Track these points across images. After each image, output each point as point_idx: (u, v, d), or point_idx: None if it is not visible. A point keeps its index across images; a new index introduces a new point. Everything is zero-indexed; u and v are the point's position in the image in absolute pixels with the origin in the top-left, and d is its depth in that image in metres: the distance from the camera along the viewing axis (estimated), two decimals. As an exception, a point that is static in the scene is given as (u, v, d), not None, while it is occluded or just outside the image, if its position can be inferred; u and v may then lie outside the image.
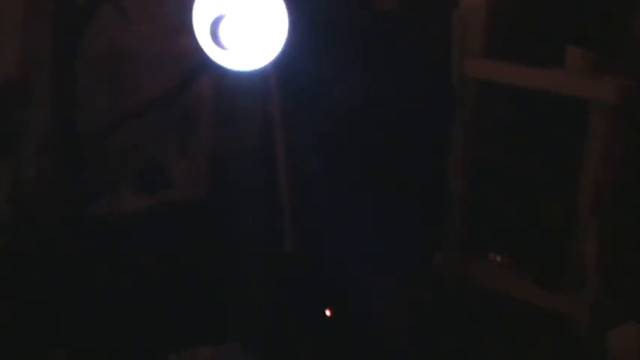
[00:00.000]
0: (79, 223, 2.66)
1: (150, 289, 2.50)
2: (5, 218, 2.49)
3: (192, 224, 2.67)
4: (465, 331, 2.46)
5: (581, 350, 2.37)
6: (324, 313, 2.59)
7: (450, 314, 2.54)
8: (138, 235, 2.68)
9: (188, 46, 2.15)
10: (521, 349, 2.40)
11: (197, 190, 2.77)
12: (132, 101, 2.62)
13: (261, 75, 2.17)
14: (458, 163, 2.72)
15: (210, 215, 2.70)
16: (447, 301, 2.60)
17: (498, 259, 2.69)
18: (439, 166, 2.73)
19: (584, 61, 2.41)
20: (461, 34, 2.62)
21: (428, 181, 2.75)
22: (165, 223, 2.69)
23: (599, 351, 2.25)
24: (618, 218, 2.47)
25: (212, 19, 1.94)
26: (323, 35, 2.39)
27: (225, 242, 2.58)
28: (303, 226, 2.55)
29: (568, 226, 2.55)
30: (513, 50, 2.58)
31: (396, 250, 2.63)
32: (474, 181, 2.71)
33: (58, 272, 2.48)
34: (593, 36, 2.50)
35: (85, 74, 2.55)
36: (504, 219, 2.71)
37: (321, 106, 2.47)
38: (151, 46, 2.60)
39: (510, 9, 2.60)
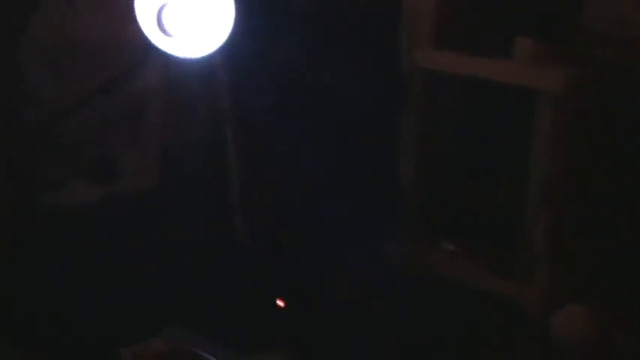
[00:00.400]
0: (29, 215, 2.61)
1: (100, 282, 2.46)
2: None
3: (142, 215, 2.64)
4: (418, 319, 2.46)
5: (532, 335, 2.38)
6: (276, 302, 2.58)
7: (403, 302, 2.54)
8: (88, 226, 2.64)
9: (136, 35, 2.11)
10: (474, 336, 2.40)
11: (147, 180, 2.74)
12: (80, 91, 2.57)
13: (209, 62, 2.14)
14: (409, 152, 2.72)
15: (160, 205, 2.66)
16: (400, 289, 2.59)
17: (451, 247, 2.70)
18: (391, 155, 2.73)
19: (532, 51, 2.42)
20: (411, 24, 2.62)
21: (380, 169, 2.75)
22: (115, 214, 2.65)
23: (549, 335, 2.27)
24: (567, 206, 2.49)
25: (157, 6, 1.91)
26: (273, 21, 2.37)
27: (174, 232, 2.56)
28: (255, 215, 2.54)
29: (519, 213, 2.57)
30: (463, 40, 2.58)
31: (349, 239, 2.62)
32: (424, 170, 2.71)
33: (9, 265, 2.44)
34: (543, 26, 2.51)
35: (31, 65, 2.51)
36: (456, 208, 2.72)
37: (270, 93, 2.45)
38: (99, 35, 2.56)
39: (460, -1, 2.61)
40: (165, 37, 1.93)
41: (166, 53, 1.99)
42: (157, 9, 1.92)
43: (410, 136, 2.69)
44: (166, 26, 1.90)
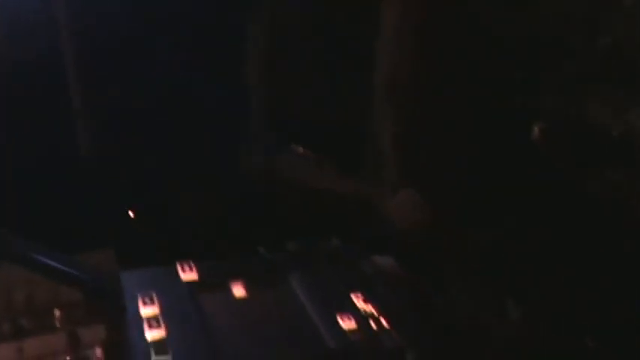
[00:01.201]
0: None
1: None
2: None
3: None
4: (271, 221, 2.46)
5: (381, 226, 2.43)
6: (127, 213, 2.50)
7: (257, 206, 2.53)
8: None
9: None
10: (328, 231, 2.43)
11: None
12: None
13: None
14: (256, 60, 2.67)
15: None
16: (253, 194, 2.58)
17: (300, 150, 2.70)
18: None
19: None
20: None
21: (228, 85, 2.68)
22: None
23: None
24: (412, 104, 2.53)
25: None
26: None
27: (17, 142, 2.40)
28: (98, 127, 2.43)
29: (365, 115, 2.59)
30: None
31: (201, 146, 2.56)
32: (271, 77, 2.68)
33: None
34: None
35: None
36: (305, 111, 2.71)
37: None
38: None
39: None
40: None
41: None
42: None
43: (257, 43, 2.63)
44: None
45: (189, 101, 2.60)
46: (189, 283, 1.51)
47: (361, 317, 1.44)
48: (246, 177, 2.67)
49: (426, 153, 2.52)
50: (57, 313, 1.78)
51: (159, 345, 1.36)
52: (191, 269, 1.53)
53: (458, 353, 1.44)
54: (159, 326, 1.40)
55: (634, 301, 1.95)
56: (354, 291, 1.50)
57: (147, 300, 1.46)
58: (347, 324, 1.42)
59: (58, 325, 1.76)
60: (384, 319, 1.44)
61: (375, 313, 1.45)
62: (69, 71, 2.44)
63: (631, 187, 2.12)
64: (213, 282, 1.52)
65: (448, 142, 2.51)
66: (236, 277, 1.53)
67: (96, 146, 2.48)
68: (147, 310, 1.44)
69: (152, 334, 1.39)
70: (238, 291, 1.52)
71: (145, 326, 1.40)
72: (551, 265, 2.11)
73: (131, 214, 2.50)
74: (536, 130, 2.35)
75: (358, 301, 1.48)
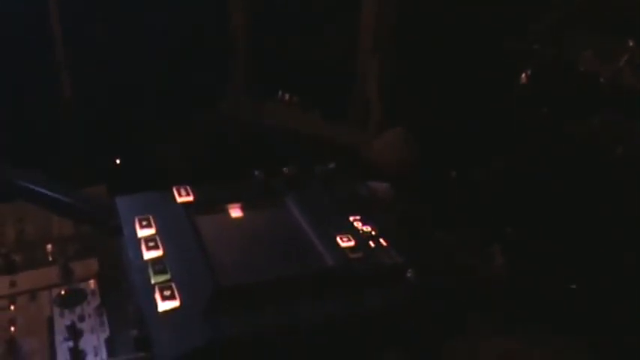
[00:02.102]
0: None
1: None
2: None
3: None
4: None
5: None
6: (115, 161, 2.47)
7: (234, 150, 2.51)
8: None
9: None
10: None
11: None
12: None
13: None
14: (241, 7, 2.64)
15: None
16: (239, 139, 2.56)
17: (286, 97, 2.67)
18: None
19: None
20: None
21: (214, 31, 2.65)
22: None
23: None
24: (397, 52, 2.52)
25: None
26: None
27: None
28: (83, 70, 2.38)
29: (351, 61, 2.57)
30: None
31: (184, 99, 2.53)
32: (254, 23, 2.65)
33: None
34: None
35: None
36: (289, 57, 2.69)
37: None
38: None
39: None
40: None
41: None
42: None
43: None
44: None
45: (175, 47, 2.57)
46: (186, 205, 1.48)
47: (360, 237, 1.42)
48: (226, 123, 2.64)
49: (413, 99, 2.51)
50: (49, 247, 1.76)
51: (158, 265, 1.33)
52: (187, 193, 1.51)
53: (454, 275, 1.43)
54: (157, 247, 1.38)
55: (617, 244, 1.96)
56: (352, 213, 1.48)
57: (144, 222, 1.43)
58: (346, 243, 1.40)
59: (50, 259, 1.73)
60: (383, 239, 1.42)
61: (374, 234, 1.43)
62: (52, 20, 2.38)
63: (617, 133, 2.13)
64: (210, 203, 1.49)
65: (435, 87, 2.50)
66: (232, 198, 1.51)
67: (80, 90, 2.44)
68: (144, 232, 1.41)
69: (150, 255, 1.37)
70: (235, 212, 1.49)
71: (143, 247, 1.38)
72: (537, 209, 2.12)
73: (117, 160, 2.46)
74: (523, 75, 2.35)
75: (356, 223, 1.46)
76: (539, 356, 1.63)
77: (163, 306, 1.27)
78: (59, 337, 1.50)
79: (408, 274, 1.34)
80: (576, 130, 2.21)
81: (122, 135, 2.41)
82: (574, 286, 1.98)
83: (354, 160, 2.46)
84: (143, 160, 2.40)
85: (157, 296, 1.27)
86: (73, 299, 1.60)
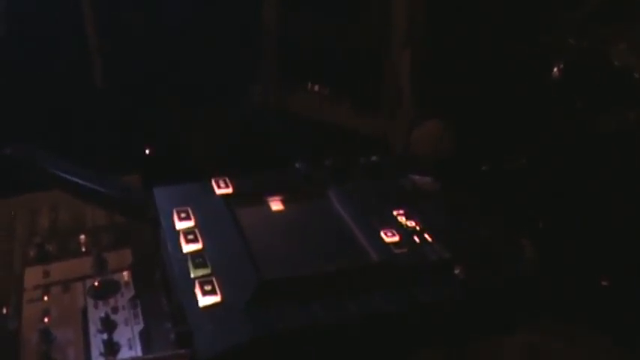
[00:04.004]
0: None
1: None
2: None
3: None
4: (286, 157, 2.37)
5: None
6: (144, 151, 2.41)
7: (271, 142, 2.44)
8: None
9: None
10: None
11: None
12: None
13: None
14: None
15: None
16: (267, 128, 2.49)
17: (316, 88, 2.61)
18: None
19: None
20: None
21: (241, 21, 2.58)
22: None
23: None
24: (430, 42, 2.45)
25: None
26: None
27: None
28: (113, 59, 2.33)
29: (382, 51, 2.51)
30: None
31: (214, 84, 2.46)
32: (285, 12, 2.58)
33: None
34: None
35: None
36: (319, 48, 2.62)
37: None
38: None
39: None
40: None
41: None
42: None
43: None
44: None
45: (201, 39, 2.51)
46: (225, 197, 1.41)
47: (404, 232, 1.35)
48: (257, 113, 2.58)
49: (445, 90, 2.44)
50: (82, 237, 1.70)
51: (197, 258, 1.27)
52: (226, 185, 1.44)
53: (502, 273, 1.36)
54: (196, 240, 1.31)
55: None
56: (396, 207, 1.40)
57: (182, 214, 1.36)
58: (390, 238, 1.32)
59: (83, 249, 1.68)
60: (428, 234, 1.35)
61: (419, 229, 1.36)
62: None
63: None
64: (250, 195, 1.42)
65: (468, 78, 2.44)
66: (272, 190, 1.43)
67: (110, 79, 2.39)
68: (183, 225, 1.35)
69: (189, 248, 1.30)
70: (275, 204, 1.42)
71: (182, 240, 1.31)
72: (570, 203, 2.06)
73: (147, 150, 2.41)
74: (556, 69, 2.28)
75: (400, 217, 1.38)
76: (563, 351, 1.57)
77: (204, 301, 1.20)
78: (93, 329, 1.45)
79: (456, 271, 1.26)
80: (610, 125, 2.15)
81: (153, 124, 2.35)
82: (605, 283, 1.93)
83: (385, 152, 2.40)
84: (175, 149, 2.34)
85: (198, 291, 1.21)
86: (107, 290, 1.55)
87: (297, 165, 1.44)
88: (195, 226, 1.34)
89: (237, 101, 2.57)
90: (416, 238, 1.33)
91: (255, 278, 1.21)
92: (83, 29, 2.33)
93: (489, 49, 2.44)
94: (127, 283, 1.57)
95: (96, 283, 1.56)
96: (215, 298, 1.20)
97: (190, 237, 1.31)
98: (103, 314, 1.45)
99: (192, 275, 1.24)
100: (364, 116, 2.54)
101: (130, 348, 1.41)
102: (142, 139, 2.34)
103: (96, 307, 1.51)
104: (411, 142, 2.09)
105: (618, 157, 2.09)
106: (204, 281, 1.22)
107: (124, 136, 2.32)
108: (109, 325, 1.44)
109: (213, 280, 1.22)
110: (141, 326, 1.46)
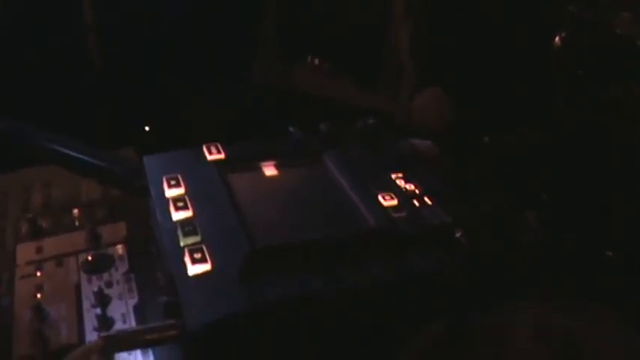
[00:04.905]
0: None
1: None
2: None
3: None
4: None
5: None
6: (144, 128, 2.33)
7: (269, 116, 2.36)
8: None
9: None
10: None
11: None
12: None
13: None
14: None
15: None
16: (267, 105, 2.41)
17: (317, 62, 2.51)
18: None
19: None
20: None
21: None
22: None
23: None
24: (430, 16, 2.36)
25: None
26: None
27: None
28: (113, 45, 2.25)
29: (383, 26, 2.42)
30: None
31: (213, 62, 2.38)
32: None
33: None
34: None
35: None
36: (319, 23, 2.53)
37: None
38: None
39: None
40: None
41: None
42: None
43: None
44: None
45: (201, 16, 2.43)
46: (217, 163, 1.32)
47: (403, 196, 1.26)
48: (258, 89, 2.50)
49: (446, 64, 2.36)
50: (75, 212, 1.63)
51: (187, 226, 1.18)
52: (218, 151, 1.35)
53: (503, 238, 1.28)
54: (186, 208, 1.23)
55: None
56: (394, 170, 1.31)
57: (172, 181, 1.28)
58: (388, 202, 1.24)
59: (77, 224, 1.61)
60: (428, 198, 1.26)
61: (418, 192, 1.27)
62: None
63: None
64: (242, 161, 1.34)
65: (469, 51, 2.35)
66: (266, 156, 1.35)
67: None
68: (172, 192, 1.26)
69: (179, 216, 1.22)
70: (269, 170, 1.33)
71: (171, 208, 1.23)
72: (572, 175, 1.98)
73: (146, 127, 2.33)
74: (557, 38, 2.19)
75: (399, 181, 1.30)
76: (575, 325, 1.49)
77: (194, 269, 1.12)
78: (86, 304, 1.39)
79: (457, 235, 1.18)
80: (612, 95, 2.06)
81: (151, 100, 2.27)
82: (610, 254, 1.85)
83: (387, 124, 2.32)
84: (172, 125, 2.26)
85: (187, 259, 1.13)
86: (101, 265, 1.49)
87: (291, 129, 1.35)
88: (186, 193, 1.26)
89: (238, 77, 2.49)
90: (416, 202, 1.24)
91: (247, 246, 1.13)
92: (80, 3, 2.25)
93: (490, 19, 2.36)
94: (121, 257, 1.50)
95: (89, 257, 1.49)
96: (205, 267, 1.12)
97: (180, 204, 1.23)
98: (96, 289, 1.39)
99: (181, 244, 1.16)
100: (366, 91, 2.45)
101: (124, 322, 1.35)
102: (140, 115, 2.27)
103: (89, 281, 1.45)
104: (412, 110, 2.00)
105: (622, 128, 2.00)
106: (193, 249, 1.14)
107: (119, 110, 2.24)
108: (102, 300, 1.39)
109: (204, 248, 1.14)
110: (135, 300, 1.40)
